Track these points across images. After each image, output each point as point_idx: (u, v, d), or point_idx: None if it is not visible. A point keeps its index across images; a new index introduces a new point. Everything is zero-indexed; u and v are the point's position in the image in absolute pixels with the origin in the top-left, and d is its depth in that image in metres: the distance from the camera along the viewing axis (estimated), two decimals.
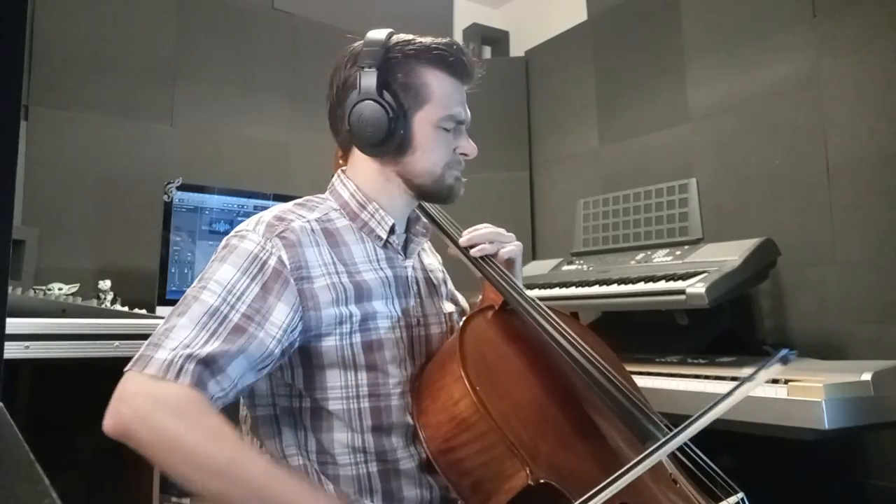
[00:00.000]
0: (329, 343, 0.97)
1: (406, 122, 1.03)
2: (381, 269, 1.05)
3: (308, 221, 1.02)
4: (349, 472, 0.97)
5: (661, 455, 0.80)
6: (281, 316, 0.92)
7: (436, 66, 1.04)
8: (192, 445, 0.81)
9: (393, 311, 1.04)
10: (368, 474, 0.98)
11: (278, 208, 1.04)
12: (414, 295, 1.09)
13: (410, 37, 1.07)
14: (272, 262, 0.94)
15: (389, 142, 1.02)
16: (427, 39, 1.06)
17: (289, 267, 0.95)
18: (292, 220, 1.01)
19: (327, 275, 0.98)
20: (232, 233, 1.00)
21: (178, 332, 0.87)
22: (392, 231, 1.07)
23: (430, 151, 1.05)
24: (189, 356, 0.85)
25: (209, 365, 0.86)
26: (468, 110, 1.10)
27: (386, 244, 1.07)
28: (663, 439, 0.81)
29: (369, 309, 1.00)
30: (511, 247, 1.17)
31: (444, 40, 1.06)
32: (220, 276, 0.92)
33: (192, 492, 0.84)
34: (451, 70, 1.05)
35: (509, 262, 1.17)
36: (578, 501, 0.77)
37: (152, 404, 0.82)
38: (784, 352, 0.77)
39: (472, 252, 1.14)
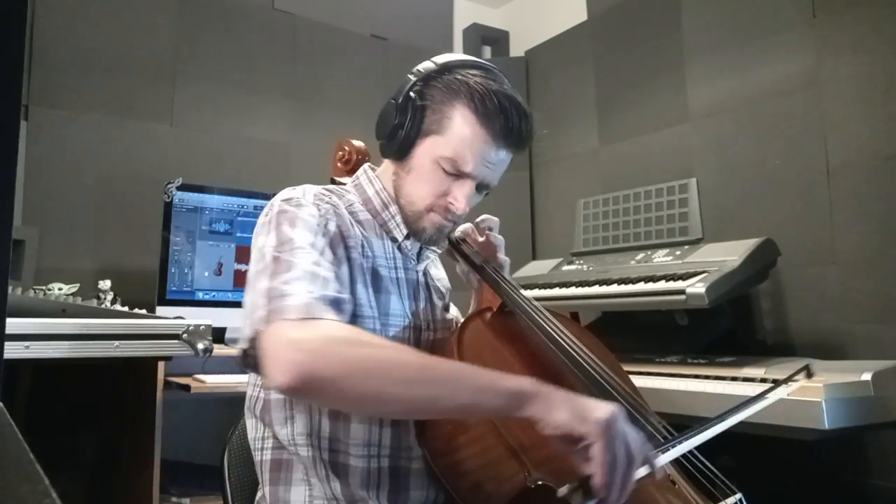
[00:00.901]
0: (362, 325, 0.97)
1: (414, 138, 1.02)
2: (396, 268, 1.06)
3: (340, 206, 1.03)
4: (360, 464, 0.96)
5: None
6: (345, 276, 0.95)
7: (469, 107, 0.98)
8: (385, 362, 0.80)
9: (406, 311, 1.05)
10: (379, 469, 0.97)
11: (311, 186, 1.04)
12: (424, 300, 1.09)
13: (477, 72, 1.00)
14: (332, 226, 0.96)
15: (391, 145, 1.03)
16: (485, 80, 0.99)
17: (342, 234, 0.97)
18: (330, 194, 1.03)
19: (361, 256, 1.00)
20: (279, 201, 0.98)
21: (296, 283, 0.85)
22: (408, 236, 1.07)
23: (420, 181, 1.02)
24: (322, 297, 0.85)
25: (338, 304, 0.87)
26: (488, 171, 1.01)
27: (400, 247, 1.08)
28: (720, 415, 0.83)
29: (385, 303, 1.02)
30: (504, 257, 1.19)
31: (500, 90, 0.98)
32: (299, 236, 0.92)
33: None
34: (483, 119, 0.97)
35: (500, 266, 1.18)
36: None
37: (326, 341, 0.80)
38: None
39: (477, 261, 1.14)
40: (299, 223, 0.94)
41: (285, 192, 1.01)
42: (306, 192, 1.00)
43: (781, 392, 1.44)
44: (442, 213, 1.03)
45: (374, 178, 1.10)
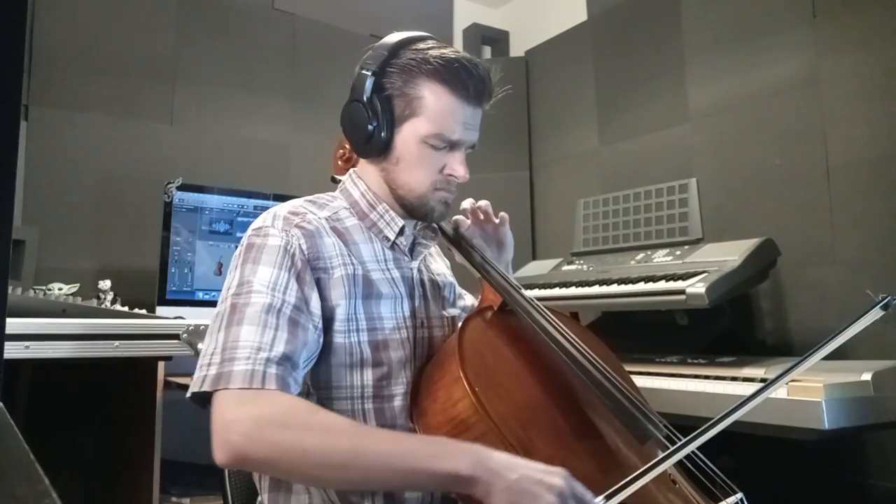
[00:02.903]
0: (338, 340, 0.97)
1: (391, 130, 1.02)
2: (389, 269, 1.05)
3: (319, 218, 1.02)
4: None
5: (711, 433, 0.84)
6: (317, 305, 0.95)
7: (436, 80, 0.99)
8: (312, 449, 0.81)
9: (399, 311, 1.04)
10: None
11: (290, 204, 1.04)
12: (419, 297, 1.09)
13: (424, 45, 1.02)
14: (297, 253, 0.96)
15: (371, 146, 1.03)
16: (438, 51, 1.00)
17: (307, 256, 0.96)
18: (306, 212, 1.02)
19: (342, 265, 0.99)
20: (250, 231, 0.99)
21: (244, 338, 0.87)
22: (401, 232, 1.07)
23: (414, 167, 1.02)
24: (267, 360, 0.85)
25: (285, 363, 0.87)
26: (472, 132, 1.03)
27: (393, 245, 1.07)
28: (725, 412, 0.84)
29: (376, 307, 1.01)
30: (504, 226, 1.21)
31: (454, 54, 1.00)
32: (260, 276, 0.92)
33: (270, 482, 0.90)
34: (453, 87, 0.99)
35: (500, 244, 1.20)
36: (609, 491, 0.79)
37: (257, 423, 0.81)
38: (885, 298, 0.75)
39: (463, 230, 1.15)
40: (262, 258, 0.94)
41: (258, 220, 1.01)
42: (276, 218, 0.99)
43: (780, 390, 1.44)
44: (445, 187, 1.05)
45: (358, 180, 1.10)
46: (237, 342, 0.87)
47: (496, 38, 3.41)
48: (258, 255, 0.95)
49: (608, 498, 0.81)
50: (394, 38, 1.04)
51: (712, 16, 2.43)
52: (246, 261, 0.95)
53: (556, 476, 0.78)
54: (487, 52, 3.41)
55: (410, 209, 1.06)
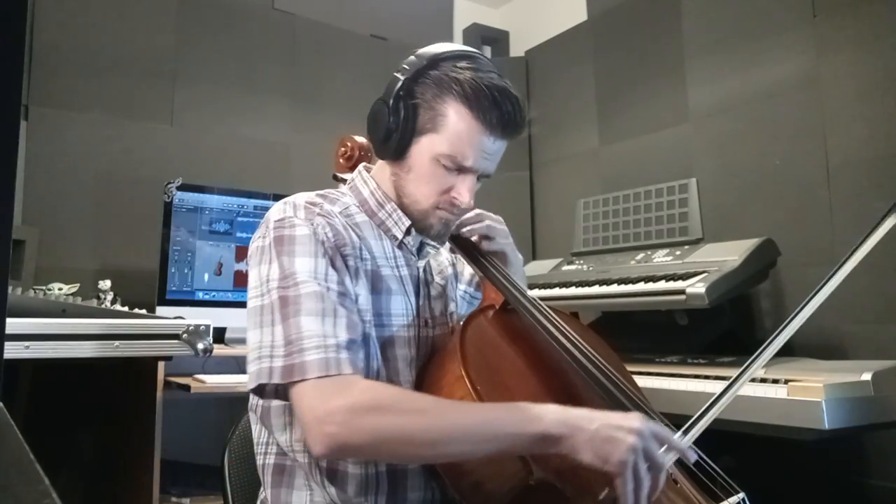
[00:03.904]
0: None
1: (409, 138, 1.01)
2: (397, 266, 1.06)
3: (333, 211, 1.03)
4: (357, 470, 0.97)
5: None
6: (351, 286, 0.96)
7: (463, 103, 0.97)
8: (411, 430, 0.84)
9: (407, 309, 1.04)
10: (377, 473, 0.97)
11: (303, 195, 1.04)
12: (424, 296, 1.09)
13: (465, 64, 0.99)
14: (328, 241, 0.96)
15: (387, 147, 1.02)
16: (474, 74, 0.98)
17: (335, 243, 0.97)
18: (322, 203, 1.02)
19: (357, 258, 1.00)
20: (273, 224, 0.97)
21: (308, 327, 0.88)
22: (408, 232, 1.07)
23: (422, 181, 1.02)
24: (338, 346, 0.87)
25: (351, 347, 0.89)
26: (487, 162, 1.01)
27: (401, 244, 1.07)
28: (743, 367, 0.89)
29: (386, 304, 1.01)
30: (501, 226, 1.17)
31: (490, 83, 0.97)
32: (300, 267, 0.93)
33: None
34: (478, 114, 0.97)
35: (502, 256, 1.16)
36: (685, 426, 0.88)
37: (351, 412, 0.83)
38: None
39: (463, 231, 1.13)
40: (297, 249, 0.94)
41: (277, 211, 1.00)
42: (297, 208, 0.99)
43: (780, 391, 1.44)
44: (448, 209, 1.04)
45: (369, 179, 1.10)
46: (301, 332, 0.87)
47: (496, 38, 3.41)
48: (291, 247, 0.95)
49: (685, 432, 0.89)
50: (437, 48, 1.03)
51: (712, 16, 2.43)
52: (281, 253, 0.94)
53: (633, 419, 0.83)
54: (487, 52, 3.41)
55: (411, 220, 1.06)
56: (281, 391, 0.90)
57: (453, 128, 0.98)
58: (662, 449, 0.84)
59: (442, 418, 0.85)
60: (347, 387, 0.85)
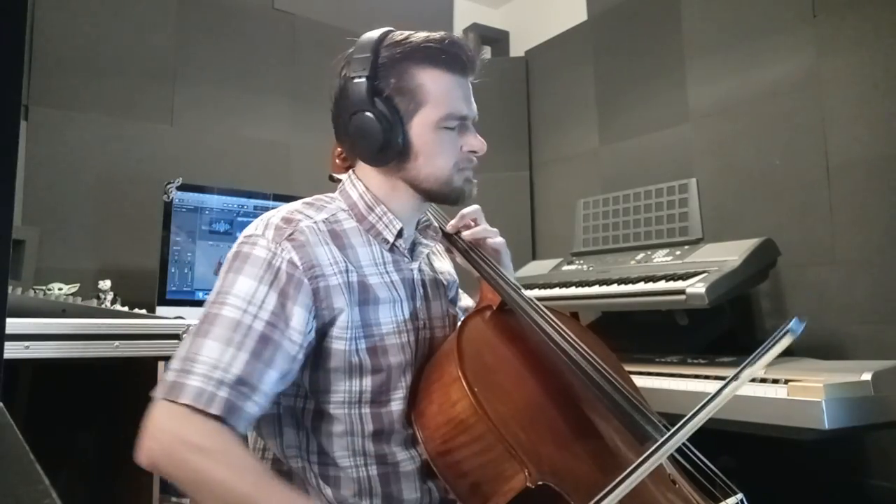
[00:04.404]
0: (338, 346, 0.96)
1: (404, 128, 1.00)
2: (387, 272, 1.04)
3: (315, 222, 1.00)
4: (350, 474, 0.97)
5: (670, 448, 0.79)
6: (300, 321, 0.92)
7: (429, 64, 1.00)
8: (216, 481, 0.83)
9: (399, 315, 1.03)
10: (369, 477, 0.97)
11: (286, 208, 1.02)
12: (420, 298, 1.07)
13: (402, 36, 1.03)
14: (284, 266, 0.93)
15: (388, 151, 1.01)
16: (419, 36, 1.02)
17: (301, 268, 0.93)
18: (300, 220, 0.99)
19: (338, 273, 0.97)
20: (241, 238, 0.98)
21: (206, 352, 0.87)
22: (399, 235, 1.05)
23: (435, 155, 1.02)
24: (220, 382, 0.86)
25: (242, 386, 0.87)
26: (473, 104, 1.05)
27: (392, 247, 1.06)
28: (675, 428, 0.80)
29: (374, 314, 1.00)
30: (498, 238, 1.18)
31: (437, 35, 1.02)
32: (237, 288, 0.91)
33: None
34: (447, 66, 1.00)
35: (496, 252, 1.17)
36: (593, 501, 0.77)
37: (177, 442, 0.84)
38: (791, 323, 0.72)
39: (464, 235, 1.14)
40: (245, 269, 0.93)
41: (251, 225, 0.99)
42: (268, 227, 0.97)
43: (780, 390, 1.44)
44: (467, 164, 1.05)
45: (357, 182, 1.08)
46: (198, 355, 0.87)
47: (496, 38, 3.41)
48: (241, 265, 0.94)
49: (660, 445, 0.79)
50: (367, 40, 1.03)
51: (712, 16, 2.43)
52: (229, 269, 0.94)
53: None
54: (487, 52, 3.41)
55: (438, 198, 1.06)
56: None
57: (435, 90, 1.00)
58: None
59: (250, 487, 0.84)
60: (193, 423, 0.85)
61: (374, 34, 1.04)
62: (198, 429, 0.84)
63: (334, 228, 1.02)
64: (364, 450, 0.98)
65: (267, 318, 0.90)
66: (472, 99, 1.05)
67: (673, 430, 0.80)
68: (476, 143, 1.04)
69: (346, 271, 0.98)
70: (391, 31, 1.05)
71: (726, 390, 0.77)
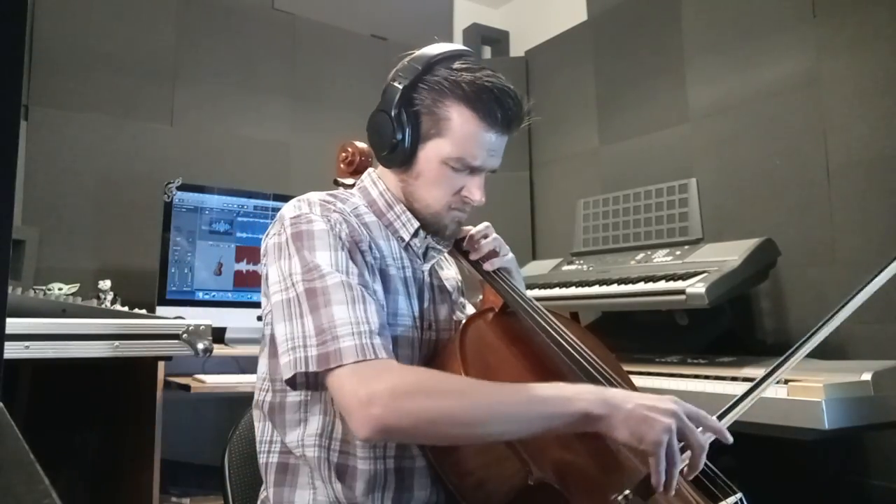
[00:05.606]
0: None
1: (415, 145, 1.02)
2: (403, 267, 1.06)
3: (345, 209, 1.03)
4: (366, 466, 0.97)
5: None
6: (370, 281, 0.97)
7: (466, 104, 0.99)
8: (452, 410, 0.84)
9: (412, 310, 1.05)
10: (385, 471, 0.98)
11: (316, 194, 1.04)
12: (428, 299, 1.09)
13: (460, 65, 1.01)
14: (343, 234, 0.97)
15: (393, 157, 1.03)
16: (472, 75, 0.99)
17: (352, 238, 0.98)
18: (335, 201, 1.03)
19: (371, 257, 1.00)
20: (289, 221, 0.98)
21: (340, 316, 0.89)
22: (415, 234, 1.07)
23: (432, 185, 1.03)
24: (370, 331, 0.88)
25: (383, 332, 0.91)
26: (496, 158, 1.03)
27: (407, 246, 1.08)
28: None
29: (393, 303, 1.02)
30: (509, 255, 1.18)
31: (489, 80, 0.99)
32: (320, 260, 0.93)
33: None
34: (481, 114, 0.99)
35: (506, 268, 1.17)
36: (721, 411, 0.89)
37: (393, 395, 0.83)
38: None
39: (485, 266, 1.14)
40: (317, 243, 0.95)
41: (291, 208, 1.00)
42: (312, 205, 1.00)
43: (780, 391, 1.44)
44: (460, 208, 1.05)
45: (378, 180, 1.10)
46: (333, 321, 0.88)
47: (496, 38, 3.41)
48: (311, 241, 0.95)
49: (721, 417, 0.90)
50: (430, 51, 1.03)
51: (712, 16, 2.43)
52: (301, 248, 0.95)
53: (667, 401, 0.85)
54: (487, 52, 3.41)
55: (424, 224, 1.07)
56: (313, 380, 0.90)
57: (459, 130, 0.99)
58: (698, 430, 0.86)
59: (484, 399, 0.85)
60: (386, 370, 0.86)
61: (436, 50, 1.03)
62: (398, 374, 0.87)
63: (361, 219, 1.04)
64: (386, 441, 0.98)
65: (358, 281, 0.94)
66: (499, 153, 1.04)
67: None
68: (475, 193, 1.03)
69: (374, 258, 1.01)
70: (457, 55, 1.03)
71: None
